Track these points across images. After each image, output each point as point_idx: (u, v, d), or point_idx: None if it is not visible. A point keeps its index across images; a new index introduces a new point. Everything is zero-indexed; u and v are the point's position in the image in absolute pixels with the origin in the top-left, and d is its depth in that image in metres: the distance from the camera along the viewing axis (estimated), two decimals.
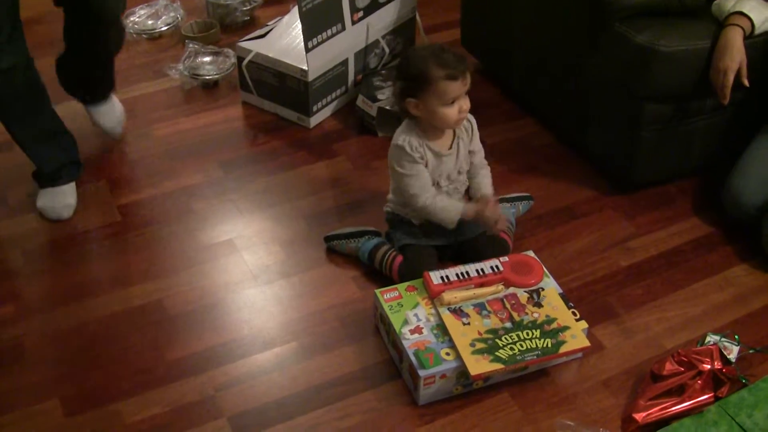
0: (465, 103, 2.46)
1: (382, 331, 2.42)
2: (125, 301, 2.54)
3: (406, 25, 3.55)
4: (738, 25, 2.61)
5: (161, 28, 3.87)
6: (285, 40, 3.30)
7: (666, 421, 2.20)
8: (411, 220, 2.62)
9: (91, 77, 3.04)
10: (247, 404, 2.25)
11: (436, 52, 2.42)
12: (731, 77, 2.58)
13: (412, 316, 2.33)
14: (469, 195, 2.68)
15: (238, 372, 2.33)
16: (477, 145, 2.64)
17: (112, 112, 3.13)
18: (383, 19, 3.40)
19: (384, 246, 2.61)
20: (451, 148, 2.56)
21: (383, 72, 3.36)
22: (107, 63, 3.00)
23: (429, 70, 2.39)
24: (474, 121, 2.61)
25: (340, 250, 2.69)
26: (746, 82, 2.62)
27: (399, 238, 2.60)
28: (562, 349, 2.26)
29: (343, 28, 3.20)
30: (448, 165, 2.56)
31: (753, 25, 2.62)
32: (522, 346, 2.24)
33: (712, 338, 2.40)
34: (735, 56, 2.58)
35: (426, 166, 2.52)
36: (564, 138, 3.23)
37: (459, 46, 3.65)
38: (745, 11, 2.62)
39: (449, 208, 2.52)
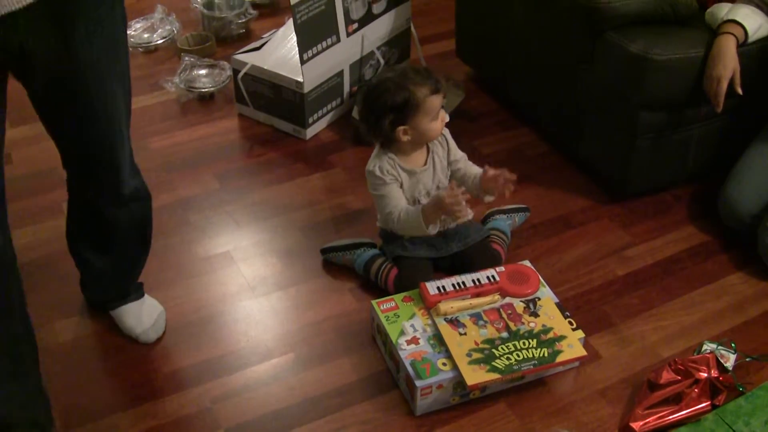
0: (443, 113, 2.51)
1: (379, 342, 2.42)
2: None
3: (400, 36, 3.56)
4: (731, 33, 2.62)
5: (157, 41, 3.88)
6: (280, 52, 3.31)
7: (663, 429, 2.20)
8: (402, 236, 2.62)
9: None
10: (244, 416, 2.25)
11: (409, 74, 2.45)
12: (725, 85, 2.59)
13: (408, 326, 2.33)
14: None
15: (236, 384, 2.34)
16: (458, 154, 2.65)
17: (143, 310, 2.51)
18: (378, 31, 3.41)
19: (379, 258, 2.61)
20: (426, 164, 2.58)
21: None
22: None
23: (414, 93, 2.41)
24: (447, 133, 2.63)
25: (336, 262, 2.70)
26: (740, 90, 2.62)
27: (392, 250, 2.61)
28: (559, 359, 2.26)
29: (338, 40, 3.21)
30: (424, 181, 2.57)
31: (746, 33, 2.63)
32: (518, 355, 2.25)
33: (708, 346, 2.40)
34: (728, 64, 2.59)
35: (400, 186, 2.54)
36: (559, 147, 3.23)
37: (454, 56, 3.66)
38: (738, 19, 2.63)
39: (411, 211, 2.51)
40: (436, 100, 2.45)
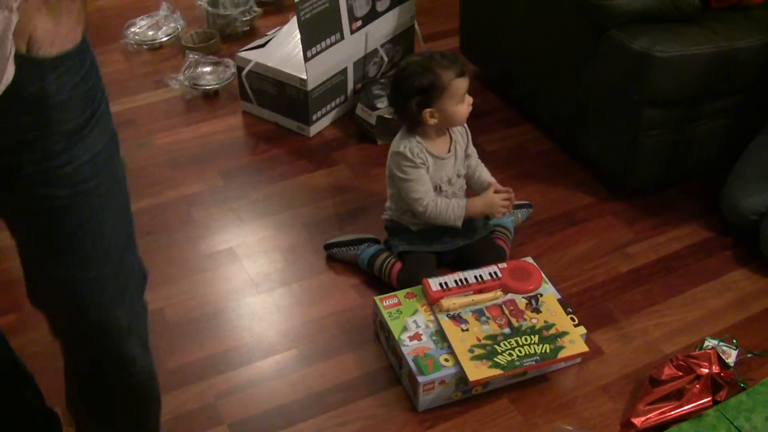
0: (468, 98, 2.53)
1: (382, 338, 2.43)
2: None
3: (404, 34, 3.57)
4: None
5: (162, 38, 3.89)
6: (284, 49, 3.32)
7: (665, 425, 2.21)
8: (409, 227, 2.63)
9: None
10: (247, 411, 2.26)
11: (435, 58, 2.48)
12: None
13: (411, 322, 2.34)
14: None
15: (239, 379, 2.35)
16: (471, 149, 2.69)
17: None
18: (382, 28, 3.41)
19: (383, 253, 2.62)
20: (449, 151, 2.59)
21: (382, 81, 3.38)
22: None
23: (440, 76, 2.44)
24: (467, 126, 2.66)
25: (340, 258, 2.71)
26: None
27: (397, 244, 2.62)
28: (561, 355, 2.27)
29: (342, 38, 3.22)
30: (447, 168, 2.58)
31: None
32: (521, 351, 2.25)
33: (710, 342, 2.41)
34: None
35: (427, 170, 2.54)
36: (563, 144, 3.24)
37: (458, 53, 3.67)
38: None
39: (453, 205, 2.55)
40: (462, 83, 2.47)
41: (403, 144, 2.54)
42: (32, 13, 1.22)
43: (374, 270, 2.62)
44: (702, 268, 2.73)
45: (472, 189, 2.70)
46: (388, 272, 2.57)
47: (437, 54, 2.50)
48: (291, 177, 3.09)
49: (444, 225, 2.58)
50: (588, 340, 2.39)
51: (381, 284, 2.61)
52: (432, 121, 2.50)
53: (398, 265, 2.57)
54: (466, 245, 2.63)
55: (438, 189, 2.58)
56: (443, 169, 2.58)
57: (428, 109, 2.48)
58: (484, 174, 2.70)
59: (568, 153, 3.20)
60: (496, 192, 2.59)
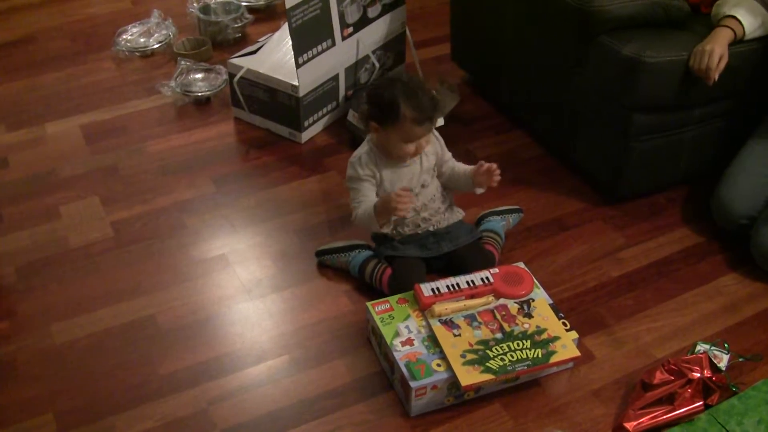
0: (424, 142, 2.52)
1: (374, 344, 2.44)
2: (118, 316, 2.55)
3: (396, 40, 3.58)
4: (728, 27, 2.65)
5: (153, 45, 3.89)
6: (276, 56, 3.32)
7: (656, 429, 2.22)
8: (392, 237, 2.65)
9: None
10: (239, 417, 2.26)
11: (413, 91, 2.45)
12: (716, 58, 2.59)
13: (403, 328, 2.34)
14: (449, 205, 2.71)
15: (231, 385, 2.35)
16: (447, 155, 2.69)
17: None
18: (373, 35, 3.42)
19: (374, 260, 2.63)
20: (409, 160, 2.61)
21: None
22: None
23: (399, 109, 2.43)
24: (438, 135, 2.66)
25: (331, 265, 2.71)
26: (715, 77, 2.62)
27: (383, 251, 2.63)
28: (553, 360, 2.27)
29: (334, 44, 3.22)
30: (408, 177, 2.59)
31: (744, 29, 2.65)
32: (512, 356, 2.26)
33: (702, 347, 2.42)
34: (721, 43, 2.61)
35: (377, 184, 2.57)
36: (553, 150, 3.25)
37: (449, 60, 3.68)
38: (738, 16, 2.66)
39: (367, 209, 2.54)
40: (416, 130, 2.46)
41: (357, 152, 2.59)
42: None
43: (365, 277, 2.62)
44: (693, 273, 2.74)
45: (462, 189, 2.68)
46: (378, 278, 2.58)
47: (420, 90, 2.45)
48: (283, 183, 3.09)
49: (378, 230, 2.60)
50: (580, 344, 2.40)
51: (372, 290, 2.61)
52: (374, 136, 2.53)
53: (389, 272, 2.57)
54: (454, 251, 2.63)
55: None
56: (403, 179, 2.59)
57: (374, 124, 2.50)
58: (463, 167, 2.67)
59: (559, 159, 3.21)
60: (483, 167, 2.55)
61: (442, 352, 2.26)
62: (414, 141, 2.48)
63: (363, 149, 2.59)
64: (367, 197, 2.57)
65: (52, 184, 3.06)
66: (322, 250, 2.71)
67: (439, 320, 2.35)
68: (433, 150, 2.63)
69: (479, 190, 2.63)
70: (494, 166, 2.54)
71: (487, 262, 2.59)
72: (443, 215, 2.68)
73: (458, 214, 2.73)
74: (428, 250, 2.63)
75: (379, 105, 2.47)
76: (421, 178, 2.61)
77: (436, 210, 2.66)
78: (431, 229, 2.64)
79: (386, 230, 2.59)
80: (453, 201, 2.74)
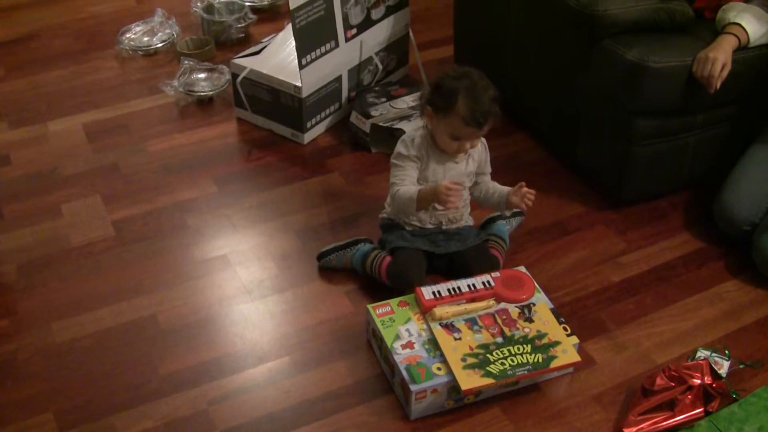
0: (471, 143, 2.54)
1: (374, 346, 2.43)
2: (119, 315, 2.55)
3: (399, 42, 3.58)
4: (733, 34, 2.65)
5: (157, 44, 3.89)
6: (279, 56, 3.32)
7: None
8: (404, 227, 2.65)
9: None
10: (239, 418, 2.26)
11: (477, 91, 2.44)
12: (718, 67, 2.60)
13: (403, 331, 2.34)
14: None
15: (231, 386, 2.34)
16: (488, 167, 2.71)
17: None
18: (377, 36, 3.42)
19: (375, 251, 2.63)
20: (459, 158, 2.61)
21: (377, 88, 3.38)
22: None
23: (455, 103, 2.44)
24: (487, 145, 2.68)
25: (335, 265, 2.70)
26: (717, 85, 2.63)
27: (391, 240, 2.63)
28: (553, 364, 2.27)
29: (337, 45, 3.22)
30: (453, 173, 2.60)
31: (748, 37, 2.65)
32: (513, 360, 2.26)
33: (702, 353, 2.41)
34: (725, 51, 2.61)
35: (425, 166, 2.57)
36: (556, 153, 3.25)
37: (452, 62, 3.68)
38: (743, 23, 2.66)
39: (410, 191, 2.53)
40: (464, 130, 2.47)
41: (411, 132, 2.60)
42: None
43: (366, 267, 2.62)
44: (694, 279, 2.74)
45: (490, 205, 2.71)
46: (378, 267, 2.58)
47: (484, 91, 2.45)
48: (285, 184, 3.09)
49: (407, 214, 2.63)
50: (580, 349, 2.40)
51: (374, 292, 2.61)
52: (425, 120, 2.54)
53: (388, 259, 2.58)
54: (459, 252, 2.63)
55: None
56: (446, 173, 2.59)
57: (429, 109, 2.51)
58: (499, 186, 2.69)
59: (562, 162, 3.21)
60: (523, 189, 2.56)
61: (442, 355, 2.26)
62: (459, 139, 2.49)
63: (418, 132, 2.60)
64: (409, 176, 2.57)
65: (54, 182, 3.06)
66: (324, 252, 2.71)
67: (440, 323, 2.34)
68: (478, 157, 2.65)
69: (508, 213, 2.72)
70: (533, 191, 2.56)
71: (491, 267, 2.59)
72: (462, 219, 2.71)
73: (471, 220, 2.75)
74: (437, 246, 2.63)
75: (440, 91, 2.48)
76: (461, 178, 2.62)
77: (460, 213, 2.68)
78: (446, 227, 2.66)
79: (424, 218, 2.62)
80: (470, 211, 2.76)
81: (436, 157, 2.58)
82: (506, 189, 2.64)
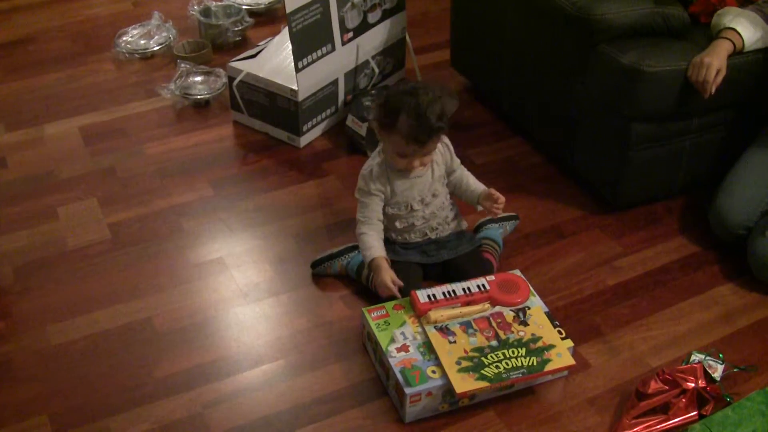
0: (421, 161, 2.50)
1: (369, 349, 2.44)
2: (115, 318, 2.55)
3: (396, 46, 3.58)
4: (728, 39, 2.65)
5: (153, 47, 3.89)
6: (276, 60, 3.33)
7: None
8: (395, 239, 2.66)
9: None
10: (234, 421, 2.26)
11: (421, 110, 2.38)
12: (713, 72, 2.60)
13: (398, 334, 2.34)
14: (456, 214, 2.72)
15: (226, 389, 2.35)
16: (456, 163, 2.68)
17: None
18: (373, 40, 3.42)
19: None
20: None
21: (373, 92, 3.38)
22: None
23: (398, 119, 2.41)
24: (449, 143, 2.65)
25: (330, 273, 2.70)
26: (712, 90, 2.63)
27: None
28: (548, 368, 2.27)
29: (333, 49, 3.23)
30: (419, 187, 2.58)
31: (743, 42, 2.66)
32: (508, 364, 2.26)
33: (697, 357, 2.42)
34: (719, 56, 2.62)
35: (390, 192, 2.56)
36: (552, 158, 3.25)
37: (448, 66, 3.68)
38: (738, 28, 2.66)
39: (367, 245, 2.54)
40: (408, 148, 2.44)
41: (369, 163, 2.59)
42: None
43: (361, 278, 2.62)
44: (689, 283, 2.74)
45: (465, 201, 2.70)
46: (374, 283, 2.57)
47: (428, 108, 2.38)
48: (281, 187, 3.09)
49: (389, 231, 2.64)
50: (575, 353, 2.40)
51: (369, 296, 2.61)
52: (378, 136, 2.54)
53: None
54: (453, 259, 2.63)
55: (409, 208, 2.59)
56: (414, 188, 2.58)
57: (376, 123, 2.51)
58: (472, 184, 2.68)
59: (558, 166, 3.21)
60: (491, 196, 2.59)
61: (437, 358, 2.27)
62: (405, 157, 2.47)
63: (375, 160, 2.58)
64: (375, 212, 2.56)
65: (51, 185, 3.07)
66: (318, 260, 2.70)
67: (435, 327, 2.35)
68: (442, 159, 2.63)
69: (479, 208, 2.66)
70: (502, 199, 2.57)
71: (485, 270, 2.59)
72: (449, 225, 2.69)
73: (463, 224, 2.74)
74: (429, 256, 2.63)
75: (384, 106, 2.46)
76: (433, 187, 2.61)
77: (444, 219, 2.66)
78: (433, 237, 2.65)
79: (403, 234, 2.63)
80: (459, 211, 2.74)
81: (399, 176, 2.56)
82: (479, 189, 2.65)
